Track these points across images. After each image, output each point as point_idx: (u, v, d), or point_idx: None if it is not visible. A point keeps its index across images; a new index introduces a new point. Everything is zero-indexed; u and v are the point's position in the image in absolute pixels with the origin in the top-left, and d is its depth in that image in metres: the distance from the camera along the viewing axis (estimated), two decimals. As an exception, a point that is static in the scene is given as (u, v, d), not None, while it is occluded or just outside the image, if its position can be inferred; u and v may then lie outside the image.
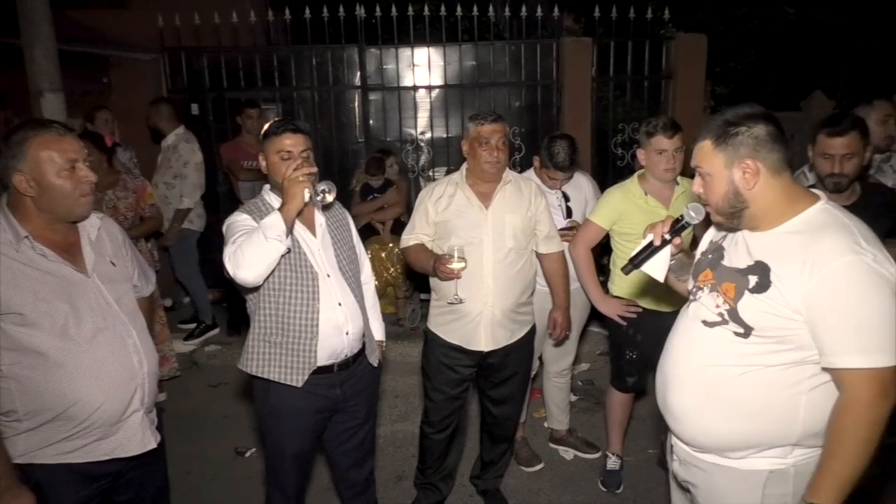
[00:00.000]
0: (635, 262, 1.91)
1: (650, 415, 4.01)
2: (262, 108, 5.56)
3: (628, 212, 3.04)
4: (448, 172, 5.82)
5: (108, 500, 2.09)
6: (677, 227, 1.85)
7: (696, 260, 1.96)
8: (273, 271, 2.26)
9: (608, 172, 5.84)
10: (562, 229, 3.24)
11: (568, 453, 3.71)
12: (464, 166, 2.92)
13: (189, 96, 5.89)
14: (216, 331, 5.27)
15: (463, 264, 2.61)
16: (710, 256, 1.87)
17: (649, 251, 1.88)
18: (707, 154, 1.73)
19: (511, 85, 5.98)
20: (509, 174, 2.88)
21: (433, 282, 2.90)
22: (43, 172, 1.87)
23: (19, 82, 4.37)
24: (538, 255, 3.00)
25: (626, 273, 1.96)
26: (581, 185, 3.54)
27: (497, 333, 2.84)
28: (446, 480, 3.19)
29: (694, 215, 1.82)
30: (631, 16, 5.61)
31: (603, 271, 5.56)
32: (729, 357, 1.71)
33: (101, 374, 1.91)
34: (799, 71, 9.27)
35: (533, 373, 3.54)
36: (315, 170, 2.27)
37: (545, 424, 3.87)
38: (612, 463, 3.44)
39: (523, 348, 2.97)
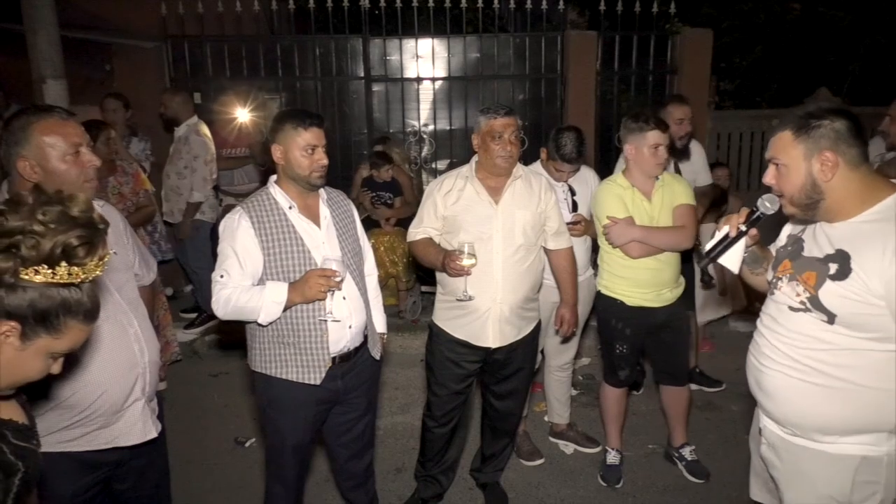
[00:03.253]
0: (712, 255, 1.94)
1: (649, 410, 4.01)
2: (267, 97, 5.55)
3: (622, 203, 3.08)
4: (451, 165, 5.82)
5: (109, 488, 2.10)
6: (752, 218, 1.89)
7: (775, 253, 1.99)
8: (277, 272, 2.29)
9: (611, 167, 5.81)
10: (567, 223, 3.23)
11: (568, 447, 3.70)
12: (473, 160, 2.88)
13: (192, 85, 5.87)
14: (217, 321, 5.27)
15: (473, 261, 2.59)
16: (789, 249, 1.90)
17: (725, 244, 1.91)
18: (786, 145, 1.75)
19: (515, 78, 5.96)
20: (519, 169, 2.85)
21: (440, 276, 2.88)
22: (47, 157, 1.86)
23: (21, 69, 4.35)
24: (546, 252, 2.98)
25: (703, 267, 2.02)
26: (587, 179, 3.53)
27: (505, 330, 2.82)
28: (447, 473, 3.18)
29: (769, 206, 1.85)
30: (636, 10, 5.58)
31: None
32: (819, 341, 1.73)
33: (103, 363, 1.90)
34: (804, 67, 9.23)
35: (535, 367, 3.53)
36: (325, 161, 2.35)
37: (545, 418, 3.86)
38: (612, 458, 3.44)
39: (528, 344, 2.96)
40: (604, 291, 3.24)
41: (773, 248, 2.05)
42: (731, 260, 1.93)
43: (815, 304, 1.72)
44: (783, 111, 7.04)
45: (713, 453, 3.59)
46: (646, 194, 3.08)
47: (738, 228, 1.89)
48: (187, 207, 4.91)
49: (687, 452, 3.46)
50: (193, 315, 5.29)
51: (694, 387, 4.03)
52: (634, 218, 3.04)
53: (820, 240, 1.78)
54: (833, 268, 1.69)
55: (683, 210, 3.07)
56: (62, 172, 1.88)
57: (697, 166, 4.00)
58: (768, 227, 2.09)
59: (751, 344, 1.98)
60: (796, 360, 1.78)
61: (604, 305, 3.26)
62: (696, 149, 4.04)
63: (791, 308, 1.80)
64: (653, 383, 3.99)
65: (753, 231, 1.92)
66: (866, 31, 8.92)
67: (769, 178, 1.82)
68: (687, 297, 3.36)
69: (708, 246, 1.96)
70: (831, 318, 1.69)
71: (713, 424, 3.93)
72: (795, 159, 1.73)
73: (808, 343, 1.75)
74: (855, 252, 1.66)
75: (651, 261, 3.04)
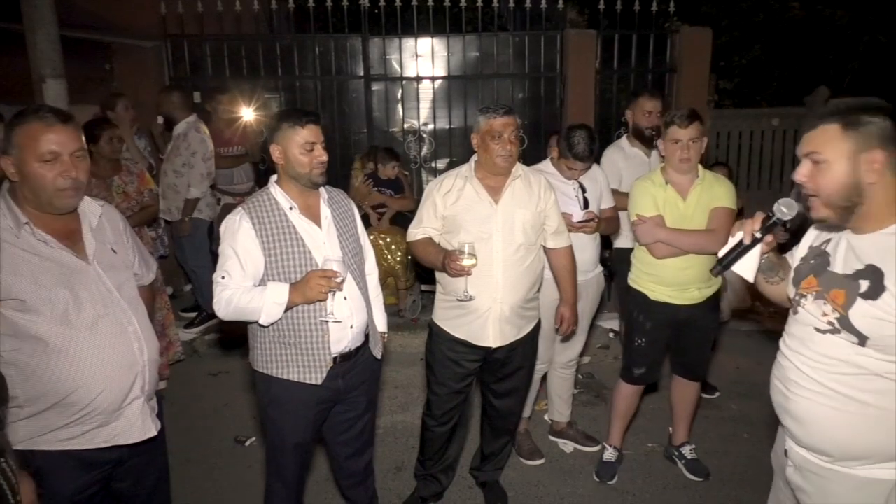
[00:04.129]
0: (724, 262, 1.85)
1: (649, 409, 4.01)
2: (266, 96, 5.55)
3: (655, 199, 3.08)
4: (450, 164, 5.82)
5: (108, 487, 2.10)
6: (768, 224, 1.78)
7: (795, 266, 1.87)
8: (278, 273, 2.30)
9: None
10: (579, 221, 3.24)
11: (568, 446, 3.71)
12: (472, 159, 2.88)
13: (192, 84, 5.87)
14: (217, 320, 5.27)
15: (474, 261, 2.58)
16: (811, 262, 1.78)
17: (739, 251, 1.82)
18: (832, 139, 1.60)
19: (514, 77, 5.96)
20: (519, 168, 2.84)
21: (440, 276, 2.87)
22: (23, 160, 1.86)
23: (20, 68, 4.35)
24: (546, 251, 2.98)
25: (716, 275, 1.90)
26: (597, 176, 3.53)
27: (505, 329, 2.82)
28: (447, 472, 3.19)
29: (786, 211, 1.75)
30: (636, 8, 5.58)
31: (604, 264, 5.59)
32: (850, 365, 1.62)
33: (102, 362, 1.91)
34: (803, 66, 9.23)
35: (546, 366, 3.55)
36: (325, 157, 2.36)
37: (545, 417, 3.86)
38: (609, 454, 3.45)
39: (528, 343, 2.96)
40: (631, 284, 3.27)
41: (790, 257, 1.95)
42: (746, 268, 1.84)
43: (846, 325, 1.60)
44: (783, 110, 7.09)
45: (713, 452, 3.60)
46: (681, 193, 3.06)
47: (753, 235, 1.79)
48: (185, 204, 4.89)
49: (687, 451, 3.47)
50: (193, 314, 5.29)
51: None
52: (666, 217, 3.03)
53: (847, 253, 1.66)
54: (864, 285, 1.57)
55: (719, 213, 3.01)
56: (37, 177, 1.87)
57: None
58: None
59: (774, 366, 1.87)
60: (826, 386, 1.67)
61: (629, 297, 3.30)
62: None
63: (818, 330, 1.68)
64: (664, 385, 4.01)
65: (769, 238, 1.81)
66: (865, 30, 8.92)
67: (802, 175, 1.65)
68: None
69: (721, 252, 1.87)
70: (863, 341, 1.57)
71: (713, 423, 3.93)
72: (840, 155, 1.58)
73: (839, 368, 1.64)
74: (888, 268, 1.54)
75: (676, 260, 3.04)
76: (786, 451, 1.86)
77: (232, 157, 5.24)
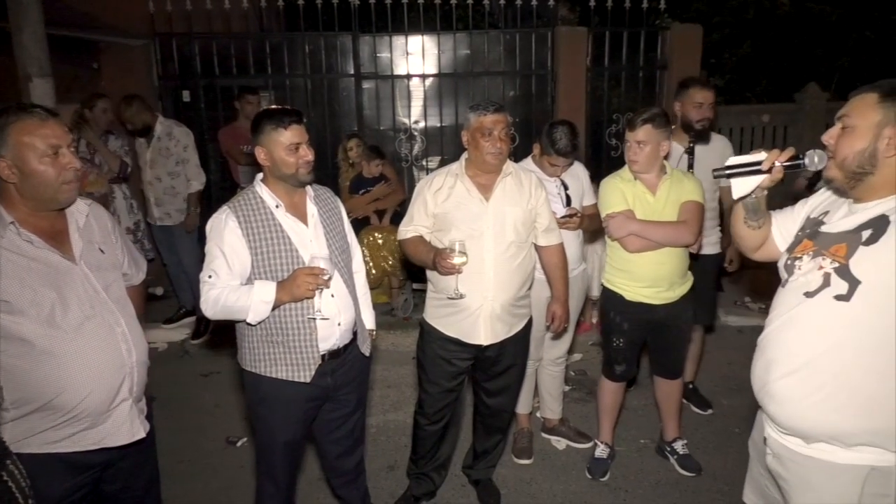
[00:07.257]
0: (730, 169, 1.85)
1: (642, 405, 4.02)
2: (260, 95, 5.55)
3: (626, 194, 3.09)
4: (442, 162, 5.82)
5: (98, 489, 2.08)
6: (792, 163, 1.80)
7: (794, 236, 1.90)
8: (265, 271, 2.29)
9: (602, 163, 5.83)
10: (562, 217, 3.24)
11: (560, 443, 3.71)
12: (463, 157, 2.87)
13: (180, 83, 5.84)
14: (193, 318, 5.28)
15: (464, 259, 2.57)
16: (807, 231, 1.83)
17: (749, 168, 1.82)
18: (865, 106, 1.66)
19: (505, 74, 5.96)
20: (510, 165, 2.84)
21: (431, 275, 2.87)
22: (25, 159, 1.84)
23: (7, 67, 4.31)
24: (537, 248, 2.97)
25: (716, 177, 1.93)
26: (578, 173, 3.53)
27: (496, 327, 2.81)
28: (439, 471, 3.18)
29: (816, 161, 1.75)
30: (626, 5, 5.58)
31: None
32: (831, 327, 1.65)
33: (89, 363, 1.89)
34: (793, 62, 9.28)
35: (536, 364, 3.55)
36: (311, 157, 2.35)
37: (538, 414, 3.87)
38: (600, 451, 3.46)
39: (520, 341, 2.95)
40: (605, 284, 3.27)
41: (773, 214, 1.99)
42: (742, 185, 1.86)
43: (842, 272, 1.63)
44: (773, 106, 7.11)
45: (705, 447, 3.61)
46: (650, 188, 3.07)
47: (773, 163, 1.79)
48: (189, 198, 4.93)
49: (679, 446, 3.48)
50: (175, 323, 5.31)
51: (682, 401, 3.77)
52: (637, 211, 3.04)
53: (846, 218, 1.72)
54: (866, 234, 1.63)
55: (689, 206, 3.05)
56: (40, 174, 1.85)
57: (714, 155, 3.58)
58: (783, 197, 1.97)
59: (757, 350, 1.87)
60: (807, 356, 1.68)
61: (604, 298, 3.29)
62: (719, 141, 3.79)
63: (807, 293, 1.70)
64: (646, 379, 4.01)
65: (780, 174, 1.81)
66: (854, 26, 8.98)
67: (829, 137, 1.72)
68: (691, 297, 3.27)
69: (731, 161, 1.87)
70: (852, 289, 1.60)
71: (705, 419, 3.95)
72: (867, 122, 1.65)
73: (821, 330, 1.66)
74: (893, 217, 1.59)
75: (651, 254, 3.04)
76: (765, 439, 1.87)
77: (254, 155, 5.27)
